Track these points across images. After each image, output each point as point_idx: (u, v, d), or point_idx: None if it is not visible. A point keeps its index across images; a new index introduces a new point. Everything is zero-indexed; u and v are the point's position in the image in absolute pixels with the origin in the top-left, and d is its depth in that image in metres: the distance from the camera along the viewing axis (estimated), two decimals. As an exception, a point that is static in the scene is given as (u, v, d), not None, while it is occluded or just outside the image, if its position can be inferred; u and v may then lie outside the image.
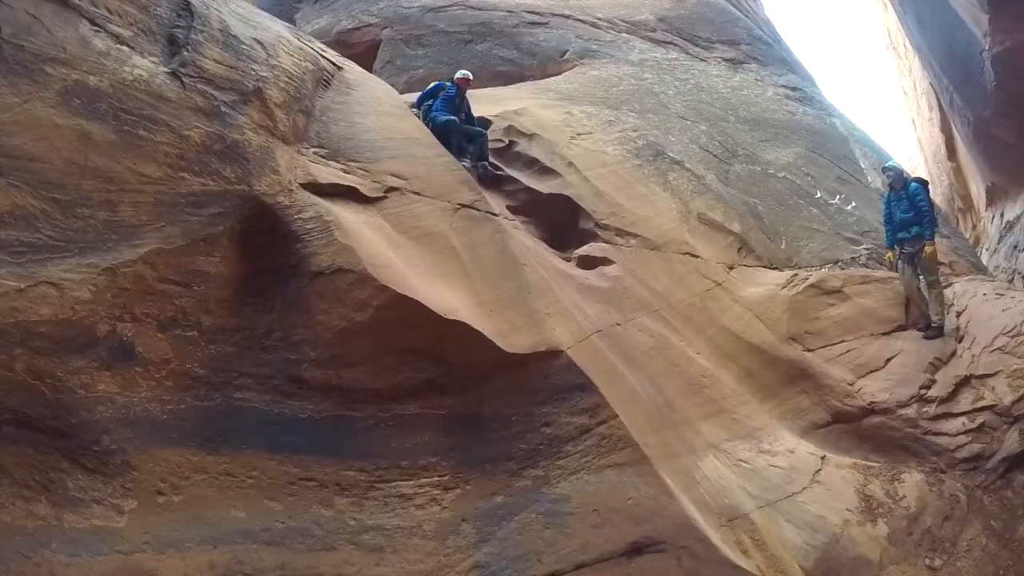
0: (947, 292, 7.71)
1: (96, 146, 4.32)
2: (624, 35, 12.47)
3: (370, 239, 5.36)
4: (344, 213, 5.42)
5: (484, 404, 5.30)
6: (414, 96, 9.19)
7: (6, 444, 3.76)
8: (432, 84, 8.61)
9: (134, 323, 4.33)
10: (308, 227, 5.10)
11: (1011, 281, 11.84)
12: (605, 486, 4.96)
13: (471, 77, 8.72)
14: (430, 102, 8.35)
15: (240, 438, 4.61)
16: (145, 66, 4.74)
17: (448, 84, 8.48)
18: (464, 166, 7.09)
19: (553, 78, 11.19)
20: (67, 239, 4.09)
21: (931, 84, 15.58)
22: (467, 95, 8.59)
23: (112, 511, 4.00)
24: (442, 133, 7.64)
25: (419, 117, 7.90)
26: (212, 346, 4.71)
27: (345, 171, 5.92)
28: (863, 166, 10.49)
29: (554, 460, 5.11)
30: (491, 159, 8.53)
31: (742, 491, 5.37)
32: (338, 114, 6.47)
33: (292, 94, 5.85)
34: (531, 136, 8.78)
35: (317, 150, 5.93)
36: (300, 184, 5.36)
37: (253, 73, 5.48)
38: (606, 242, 7.53)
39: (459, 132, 8.02)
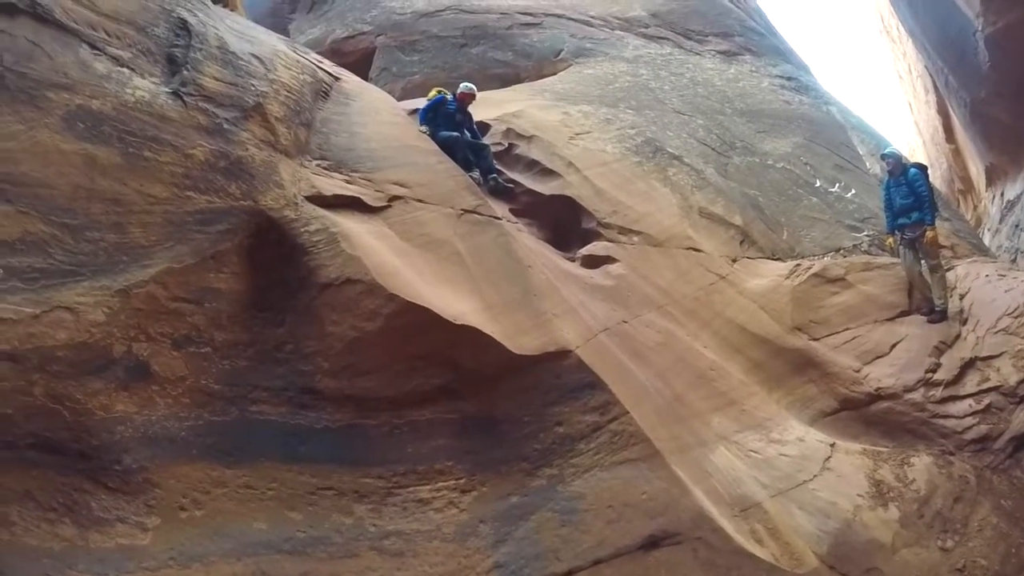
0: (949, 275, 7.73)
1: (102, 169, 4.38)
2: (618, 32, 12.50)
3: (376, 248, 5.42)
4: (350, 224, 5.47)
5: (496, 406, 5.35)
6: (412, 104, 9.25)
7: (28, 468, 3.80)
8: (434, 97, 8.29)
9: (149, 342, 4.38)
10: (315, 239, 5.15)
11: (1014, 261, 11.83)
12: (619, 482, 5.02)
13: (475, 92, 8.51)
14: (432, 116, 8.14)
15: (258, 451, 4.65)
16: (146, 87, 4.79)
17: (450, 98, 8.25)
18: (474, 179, 7.07)
19: (549, 78, 11.21)
20: (79, 263, 4.13)
21: (926, 67, 15.56)
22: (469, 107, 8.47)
23: (136, 529, 4.05)
24: (446, 148, 7.49)
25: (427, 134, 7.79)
26: (226, 361, 4.76)
27: (348, 182, 5.98)
28: (861, 153, 10.49)
29: (567, 458, 5.17)
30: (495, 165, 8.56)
31: (754, 481, 5.41)
32: (338, 125, 6.52)
33: (292, 108, 5.91)
34: (530, 138, 8.81)
35: (320, 162, 5.98)
36: (305, 197, 5.41)
37: (253, 88, 5.53)
38: (609, 240, 7.57)
39: (463, 145, 7.87)
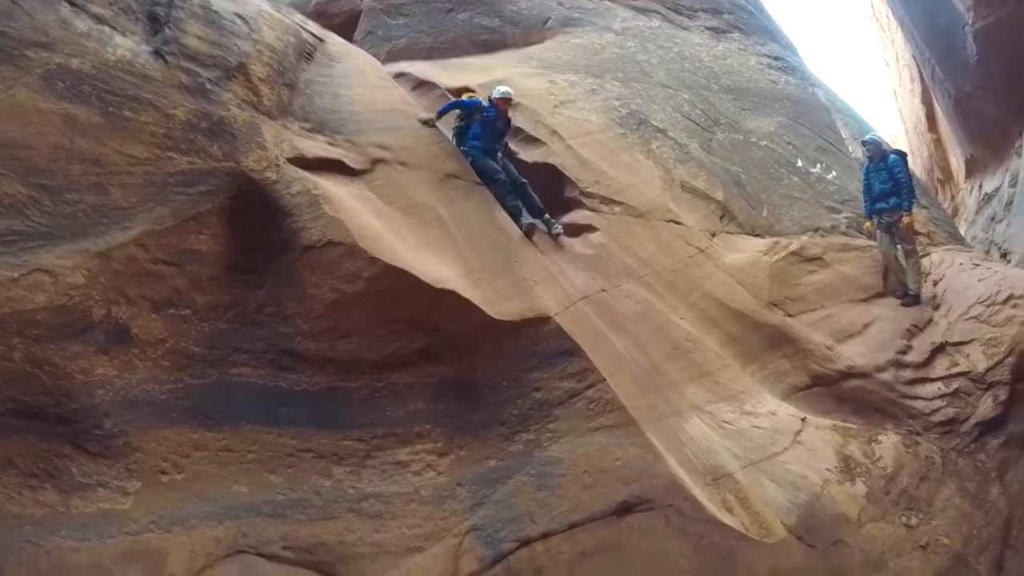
0: (924, 261, 7.84)
1: (82, 129, 4.32)
2: (606, 3, 12.30)
3: (358, 211, 5.39)
4: (332, 186, 5.43)
5: (475, 371, 5.41)
6: (397, 67, 9.09)
7: (8, 434, 3.81)
8: (465, 98, 7.45)
9: (129, 305, 4.37)
10: (296, 201, 5.13)
11: (987, 252, 11.97)
12: (594, 448, 5.10)
13: (512, 97, 7.40)
14: (462, 124, 7.26)
15: (238, 413, 4.68)
16: (127, 46, 4.71)
17: (486, 104, 7.21)
18: (530, 225, 6.52)
19: (536, 47, 11.05)
20: (58, 225, 4.10)
21: (913, 56, 15.54)
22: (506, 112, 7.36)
23: (117, 493, 4.08)
24: (483, 175, 6.81)
25: (451, 137, 7.11)
26: (206, 324, 4.76)
27: (331, 144, 5.92)
28: (844, 136, 10.53)
29: (545, 424, 5.25)
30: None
31: (726, 451, 5.51)
32: (322, 87, 6.43)
33: (276, 68, 5.82)
34: (515, 105, 8.69)
35: (302, 124, 5.91)
36: (287, 159, 5.36)
37: (236, 48, 5.45)
38: (591, 210, 7.57)
39: (508, 189, 6.87)
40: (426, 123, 6.92)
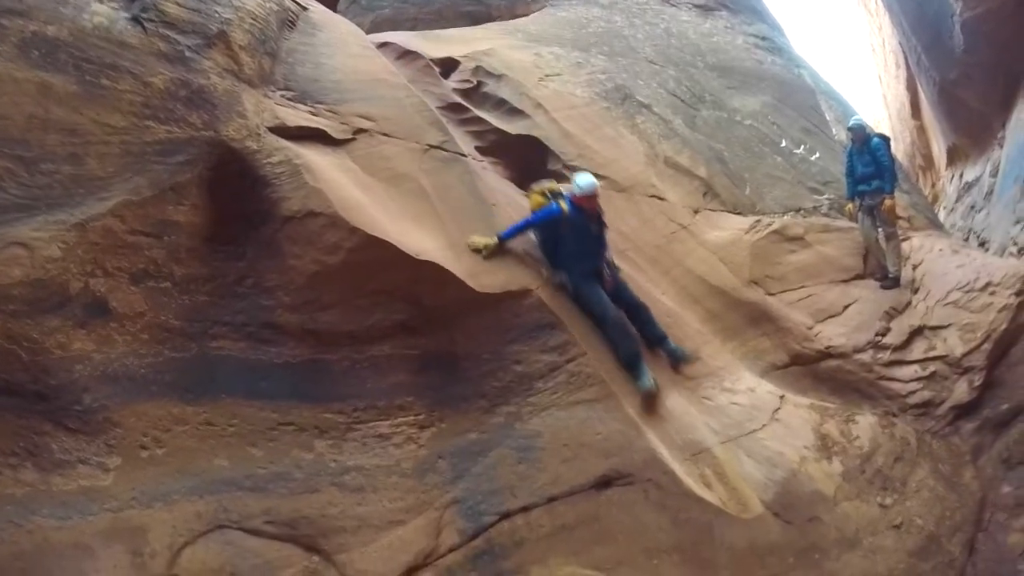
0: (904, 245, 7.89)
1: (58, 98, 4.21)
2: (593, -24, 12.19)
3: (340, 182, 5.32)
4: (313, 156, 5.35)
5: (457, 344, 5.38)
6: (380, 37, 8.92)
7: (-12, 413, 3.74)
8: (539, 206, 5.89)
9: (106, 278, 4.30)
10: (277, 171, 5.05)
11: (966, 240, 12.13)
12: (575, 422, 5.10)
13: (598, 189, 5.80)
14: (546, 240, 5.79)
15: (219, 387, 4.63)
16: (105, 12, 4.58)
17: (566, 207, 5.68)
18: (649, 393, 5.34)
19: (521, 19, 10.95)
20: (34, 197, 4.01)
21: (899, 43, 15.51)
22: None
23: (98, 470, 4.04)
24: (590, 312, 5.56)
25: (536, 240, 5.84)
26: (185, 296, 4.69)
27: (313, 113, 5.82)
28: (828, 118, 10.55)
29: (525, 397, 5.24)
30: (461, 101, 8.27)
31: (705, 427, 5.55)
32: (304, 56, 6.30)
33: (257, 36, 5.70)
34: (499, 77, 8.63)
35: (284, 93, 5.80)
36: (268, 128, 5.27)
37: (216, 15, 5.31)
38: (574, 183, 7.55)
39: (620, 329, 5.53)
40: (483, 251, 5.54)
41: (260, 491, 4.42)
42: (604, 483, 4.89)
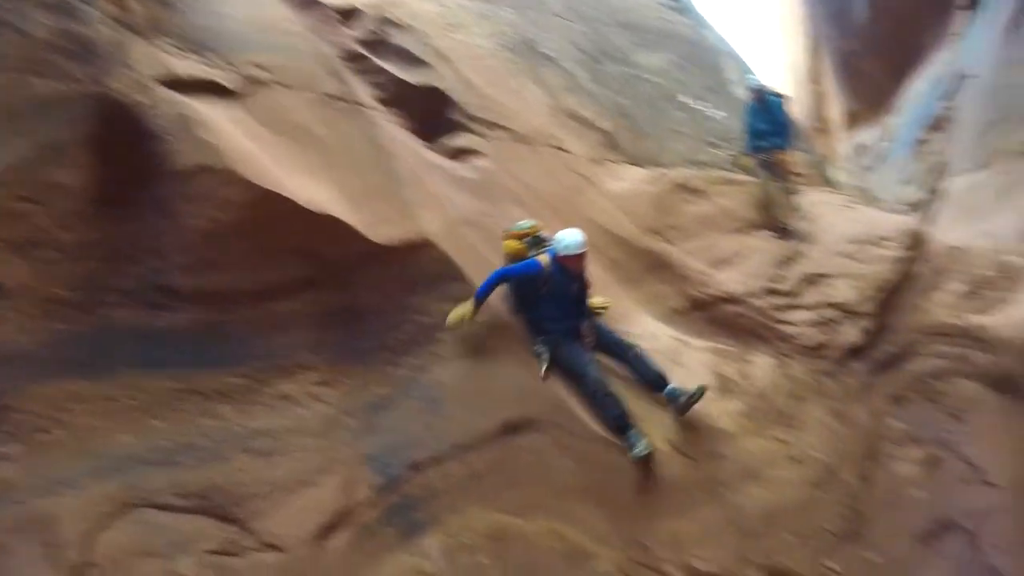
0: (800, 200, 8.20)
1: (-76, 54, 3.71)
2: (500, -73, 11.95)
3: (234, 135, 5.03)
4: (206, 109, 5.02)
5: (357, 297, 5.24)
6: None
7: None
8: (520, 266, 5.17)
9: (-11, 252, 3.90)
10: (168, 126, 4.69)
11: (858, 198, 12.80)
12: (480, 371, 5.08)
13: (586, 250, 5.25)
14: (519, 295, 5.28)
15: (117, 359, 4.38)
16: (-22, -44, 4.07)
17: (547, 264, 5.16)
18: (641, 456, 4.73)
19: (427, -31, 10.60)
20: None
21: (805, 12, 16.19)
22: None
23: (1, 460, 3.78)
24: (570, 373, 5.07)
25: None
26: (76, 265, 4.38)
27: (206, 64, 5.46)
28: (730, 78, 10.85)
29: (429, 348, 5.17)
30: (363, 51, 7.94)
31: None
32: (197, 3, 5.87)
33: (147, -18, 5.23)
34: (403, 27, 8.34)
35: (175, 42, 5.40)
36: (158, 80, 4.88)
37: (104, -40, 4.83)
38: (476, 134, 7.41)
39: (601, 389, 4.93)
40: (457, 324, 5.01)
41: (167, 464, 4.24)
42: (512, 429, 4.86)
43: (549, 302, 5.14)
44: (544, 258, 5.19)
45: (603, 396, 4.88)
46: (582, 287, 5.34)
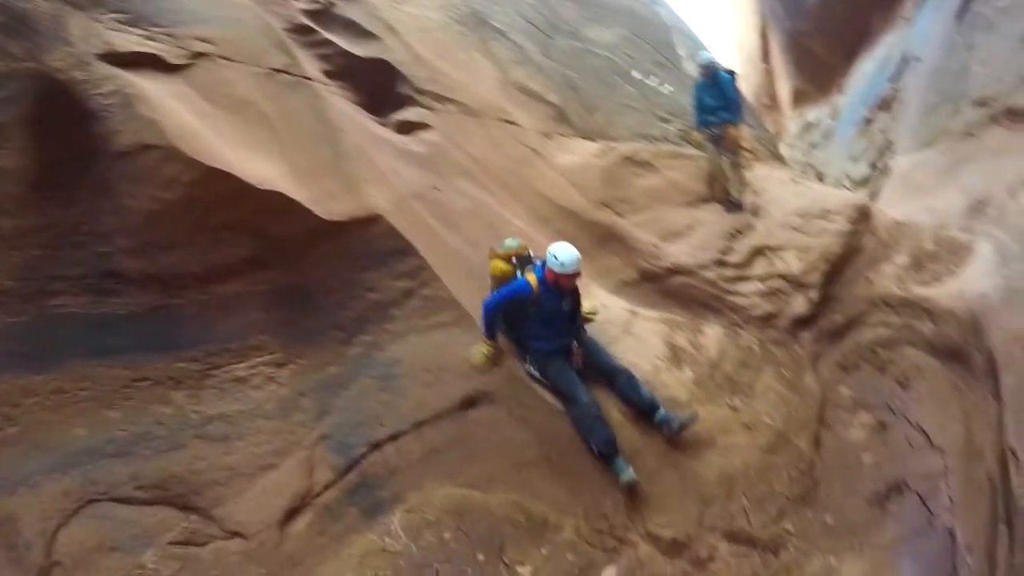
0: (748, 174, 8.30)
1: None
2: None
3: (176, 111, 4.88)
4: (147, 84, 4.86)
5: (307, 275, 5.16)
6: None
7: None
8: (509, 288, 5.04)
9: (-76, 244, 3.70)
10: (108, 103, 4.54)
11: (805, 173, 13.11)
12: (433, 346, 5.06)
13: (580, 270, 5.04)
14: (511, 315, 5.14)
15: (65, 350, 4.27)
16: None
17: (535, 283, 5.00)
18: (630, 483, 4.64)
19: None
20: None
21: None
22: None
23: None
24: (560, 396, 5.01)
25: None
26: (16, 252, 4.25)
27: (148, 38, 5.27)
28: (680, 54, 10.91)
29: (382, 325, 5.14)
30: (309, 22, 7.71)
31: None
32: (139, -26, 5.64)
33: (86, -48, 4.99)
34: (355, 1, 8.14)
35: (115, 16, 5.20)
36: (97, 55, 4.72)
37: (38, -73, 4.58)
38: (425, 107, 7.34)
39: (591, 413, 4.82)
40: (484, 365, 4.97)
41: (124, 456, 4.17)
42: (468, 404, 4.87)
43: (536, 321, 5.06)
44: (532, 277, 5.07)
45: (592, 420, 4.80)
46: (574, 302, 5.24)
